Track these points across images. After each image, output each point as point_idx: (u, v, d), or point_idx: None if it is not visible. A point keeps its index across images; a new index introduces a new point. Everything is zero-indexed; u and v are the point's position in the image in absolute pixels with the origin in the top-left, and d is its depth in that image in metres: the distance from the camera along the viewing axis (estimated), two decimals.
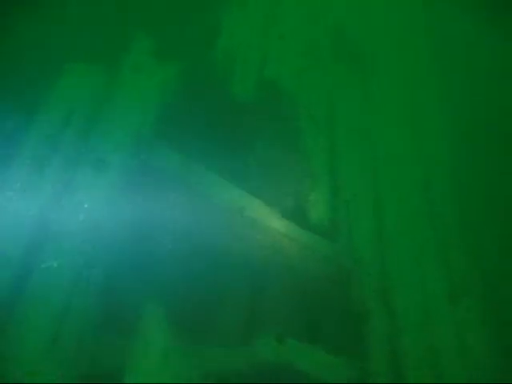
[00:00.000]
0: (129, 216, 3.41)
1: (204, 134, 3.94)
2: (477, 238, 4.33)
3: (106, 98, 3.65)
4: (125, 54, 4.03)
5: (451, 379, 3.64)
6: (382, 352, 3.62)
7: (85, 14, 4.02)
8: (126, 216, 3.38)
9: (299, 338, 3.46)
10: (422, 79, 5.48)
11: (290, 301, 3.68)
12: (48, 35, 3.86)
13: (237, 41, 4.47)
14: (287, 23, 4.90)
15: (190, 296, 3.41)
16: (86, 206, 3.09)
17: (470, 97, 5.32)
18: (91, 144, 3.35)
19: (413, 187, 4.47)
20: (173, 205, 3.64)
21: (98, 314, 3.15)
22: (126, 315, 3.21)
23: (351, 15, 5.51)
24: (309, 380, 3.33)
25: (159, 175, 3.63)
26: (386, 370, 3.57)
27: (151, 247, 3.48)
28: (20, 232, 2.95)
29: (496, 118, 5.04)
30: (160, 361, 3.13)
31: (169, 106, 3.88)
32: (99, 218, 3.18)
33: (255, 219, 3.87)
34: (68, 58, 3.80)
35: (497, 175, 4.67)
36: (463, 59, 5.63)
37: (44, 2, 3.92)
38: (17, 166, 3.13)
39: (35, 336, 2.87)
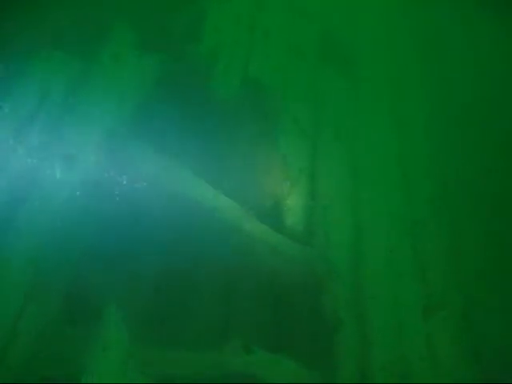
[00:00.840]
0: (97, 214, 3.28)
1: (182, 130, 3.81)
2: (456, 248, 4.26)
3: (80, 88, 3.49)
4: (104, 43, 3.87)
5: None
6: (352, 363, 3.54)
7: (64, 4, 3.86)
8: (93, 214, 3.25)
9: (268, 347, 3.36)
10: (409, 82, 5.39)
11: (261, 307, 3.57)
12: (25, 20, 3.69)
13: (221, 35, 4.33)
14: (273, 19, 4.77)
15: (155, 297, 3.30)
16: (52, 204, 2.95)
17: (459, 100, 5.24)
18: (60, 138, 3.19)
19: (392, 195, 4.39)
20: (143, 202, 3.51)
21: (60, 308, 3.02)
22: (88, 313, 3.09)
23: (338, 13, 5.40)
24: None
25: (132, 172, 3.49)
26: (356, 381, 3.49)
27: (119, 244, 3.35)
28: None
29: (490, 124, 4.98)
30: (121, 362, 3.01)
31: (146, 100, 3.73)
32: (66, 217, 3.04)
33: (228, 220, 3.76)
34: (44, 45, 3.63)
35: (481, 183, 4.60)
36: (452, 61, 5.56)
37: None
38: None
39: None
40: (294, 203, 3.96)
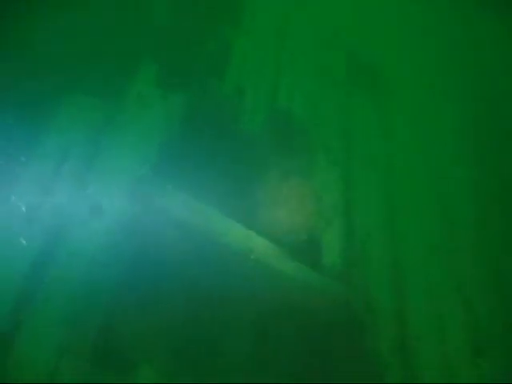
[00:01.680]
0: (129, 262, 3.17)
1: (209, 170, 3.68)
2: (502, 278, 4.04)
3: (104, 133, 3.39)
4: (128, 82, 3.77)
5: None
6: None
7: (85, 41, 3.78)
8: (126, 262, 3.14)
9: None
10: (442, 101, 5.20)
11: (297, 349, 3.42)
12: (45, 62, 3.63)
13: (246, 67, 4.19)
14: (298, 47, 4.64)
15: (192, 337, 3.18)
16: (80, 257, 2.85)
17: (492, 119, 5.04)
18: (87, 186, 3.10)
19: (433, 225, 4.19)
20: (176, 248, 3.39)
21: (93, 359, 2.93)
22: (120, 362, 2.99)
23: (364, 36, 5.24)
24: None
25: (161, 217, 3.38)
26: None
27: (154, 290, 3.24)
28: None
29: None
30: None
31: (172, 141, 3.62)
32: (96, 267, 2.94)
33: (263, 261, 3.61)
34: (67, 88, 3.55)
35: None
36: (483, 79, 5.36)
37: (39, 26, 3.70)
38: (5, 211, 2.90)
39: None
40: (329, 239, 3.79)
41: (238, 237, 3.63)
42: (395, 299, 3.76)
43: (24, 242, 2.77)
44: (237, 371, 3.22)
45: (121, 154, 3.37)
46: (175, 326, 3.24)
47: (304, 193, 3.91)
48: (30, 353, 2.73)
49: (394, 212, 4.16)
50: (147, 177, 3.40)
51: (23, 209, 2.93)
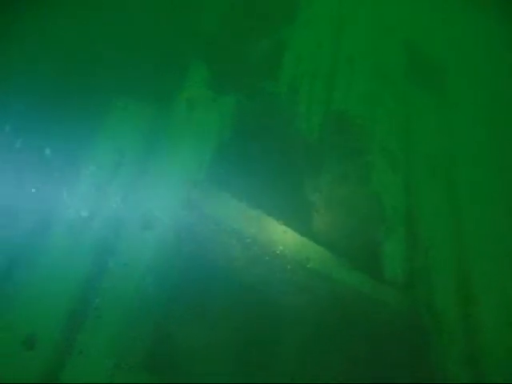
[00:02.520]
0: (183, 271, 3.06)
1: (264, 175, 3.53)
2: None
3: (156, 139, 3.29)
4: (179, 86, 3.64)
5: None
6: None
7: (133, 43, 3.67)
8: (179, 272, 3.03)
9: None
10: (506, 99, 4.88)
11: (359, 362, 3.24)
12: (95, 64, 3.55)
13: (301, 66, 4.00)
14: (356, 43, 4.40)
15: (246, 348, 3.07)
16: (130, 267, 2.75)
17: None
18: (140, 194, 3.00)
19: (503, 231, 3.90)
20: (229, 256, 3.26)
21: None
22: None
23: (424, 32, 4.96)
24: None
25: (214, 226, 3.25)
26: None
27: (208, 300, 3.13)
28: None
29: None
30: None
31: (225, 146, 3.48)
32: (149, 278, 2.85)
33: (320, 271, 3.44)
34: (120, 94, 3.45)
35: None
36: None
37: (89, 29, 3.62)
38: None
39: None
40: (391, 247, 3.58)
41: (294, 245, 3.47)
42: (463, 310, 3.52)
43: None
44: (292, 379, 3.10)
45: (172, 160, 3.26)
46: (229, 337, 3.12)
47: (362, 198, 3.71)
48: (85, 366, 2.66)
49: (460, 217, 3.90)
50: (200, 182, 3.28)
51: (82, 214, 2.86)
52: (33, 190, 2.89)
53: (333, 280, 3.44)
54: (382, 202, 3.68)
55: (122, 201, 2.95)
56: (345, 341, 3.35)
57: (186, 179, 3.24)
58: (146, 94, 3.52)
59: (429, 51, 4.80)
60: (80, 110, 3.33)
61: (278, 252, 3.39)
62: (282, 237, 3.44)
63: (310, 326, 3.34)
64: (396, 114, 4.17)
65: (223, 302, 3.19)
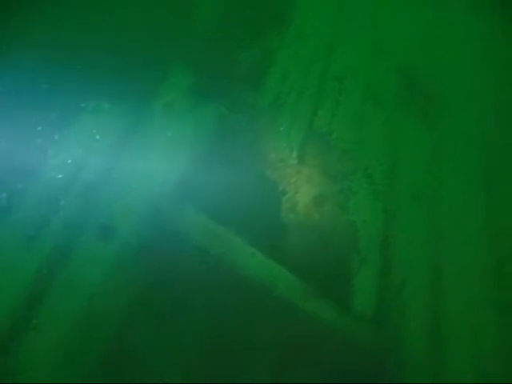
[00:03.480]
0: (140, 291, 2.87)
1: (238, 192, 3.35)
2: None
3: (125, 145, 3.10)
4: (157, 90, 3.45)
5: None
6: None
7: (112, 42, 3.48)
8: (136, 292, 2.84)
9: None
10: (500, 129, 4.74)
11: None
12: (70, 67, 3.35)
13: (287, 83, 3.82)
14: (347, 62, 4.23)
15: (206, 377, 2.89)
16: (81, 288, 2.55)
17: None
18: (99, 204, 2.80)
19: (482, 271, 3.75)
20: (193, 278, 3.07)
21: None
22: None
23: (418, 55, 4.82)
24: None
25: (179, 242, 3.07)
26: None
27: (168, 323, 2.94)
28: None
29: None
30: None
31: (200, 158, 3.30)
32: (100, 298, 2.65)
33: (287, 300, 3.26)
34: (92, 95, 3.25)
35: None
36: None
37: (66, 29, 3.43)
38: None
39: None
40: (362, 278, 3.41)
41: (261, 269, 3.29)
42: (433, 350, 3.36)
43: None
44: None
45: (139, 169, 3.07)
46: (189, 359, 2.94)
47: (338, 224, 3.54)
48: None
49: (439, 252, 3.74)
50: (167, 195, 3.09)
51: (33, 219, 2.67)
52: None
53: (299, 309, 3.27)
54: (358, 231, 3.52)
55: (78, 209, 2.75)
56: (308, 375, 3.17)
57: (152, 191, 3.05)
58: (120, 96, 3.33)
59: (422, 77, 4.65)
60: (49, 112, 3.13)
61: (244, 275, 3.21)
62: (250, 259, 3.26)
63: (272, 359, 3.16)
64: (382, 140, 4.01)
65: (182, 327, 3.00)
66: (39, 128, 3.04)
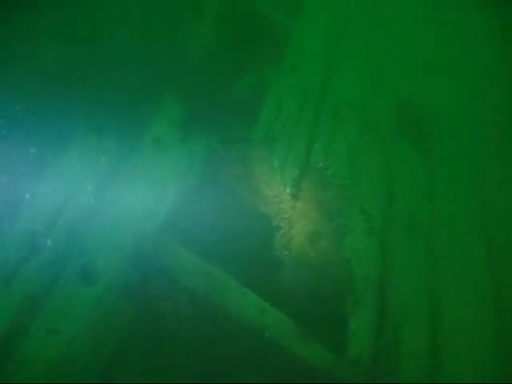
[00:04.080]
0: (125, 334, 2.73)
1: (227, 229, 3.22)
2: None
3: (111, 180, 2.98)
4: (146, 122, 3.35)
5: None
6: None
7: (100, 71, 3.38)
8: (121, 335, 2.70)
9: None
10: (498, 163, 4.64)
11: None
12: (57, 98, 3.24)
13: (281, 116, 3.72)
14: (344, 93, 4.14)
15: None
16: (61, 333, 2.41)
17: None
18: (80, 243, 2.68)
19: (482, 309, 3.62)
20: (178, 319, 2.93)
21: None
22: None
23: (418, 86, 4.74)
24: None
25: (165, 281, 2.93)
26: None
27: (153, 366, 2.80)
28: None
29: None
30: None
31: (189, 194, 3.18)
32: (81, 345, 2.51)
33: (278, 341, 3.12)
34: (78, 128, 3.14)
35: None
36: None
37: (54, 59, 3.34)
38: None
39: None
40: (357, 320, 3.27)
41: (252, 309, 3.15)
42: None
43: None
44: None
45: (125, 205, 2.94)
46: None
47: (333, 263, 3.41)
48: None
49: (438, 291, 3.61)
50: (154, 232, 2.97)
51: (12, 256, 2.54)
52: None
53: (292, 353, 3.12)
54: (353, 270, 3.39)
55: (58, 248, 2.62)
56: None
57: (138, 228, 2.93)
58: (107, 129, 3.22)
59: (419, 109, 4.57)
60: (33, 146, 3.02)
61: (234, 316, 3.07)
62: (240, 299, 3.13)
63: None
64: (379, 174, 3.90)
65: (169, 369, 2.85)
66: (22, 162, 2.94)
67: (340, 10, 4.67)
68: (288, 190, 3.45)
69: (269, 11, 4.36)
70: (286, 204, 3.46)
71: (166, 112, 3.47)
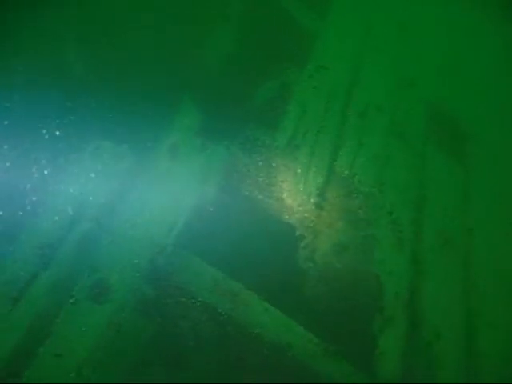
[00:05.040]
0: (141, 354, 2.58)
1: (247, 242, 3.05)
2: None
3: (126, 192, 2.84)
4: (163, 129, 3.19)
5: None
6: None
7: (117, 76, 3.24)
8: (136, 355, 2.55)
9: None
10: None
11: None
12: (70, 104, 3.11)
13: (305, 121, 3.53)
14: (370, 97, 3.93)
15: None
16: (69, 357, 2.27)
17: None
18: (93, 259, 2.54)
19: None
20: (201, 337, 2.77)
21: None
22: None
23: (449, 85, 4.49)
24: None
25: (183, 299, 2.77)
26: None
27: None
28: None
29: None
30: None
31: (207, 205, 3.02)
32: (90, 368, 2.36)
33: (303, 361, 2.94)
34: (93, 134, 3.00)
35: None
36: None
37: (77, 59, 3.21)
38: None
39: None
40: (387, 339, 3.07)
41: (275, 326, 2.98)
42: None
43: None
44: None
45: (139, 217, 2.79)
46: None
47: (360, 277, 3.21)
48: None
49: (474, 308, 3.38)
50: (169, 247, 2.81)
51: (20, 274, 2.42)
52: None
53: (317, 372, 2.94)
54: (382, 285, 3.18)
55: (70, 263, 2.48)
56: None
57: (154, 241, 2.77)
58: (123, 136, 3.08)
59: (452, 111, 4.33)
60: (47, 153, 2.89)
61: (255, 334, 2.90)
62: (262, 316, 2.96)
63: None
64: (409, 181, 3.68)
65: None
66: (33, 170, 2.81)
67: (367, 12, 4.46)
68: (312, 199, 3.26)
69: (294, 12, 4.19)
70: (310, 213, 3.28)
71: (185, 118, 3.31)
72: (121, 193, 2.83)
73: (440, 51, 4.60)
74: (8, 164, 2.76)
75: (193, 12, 3.82)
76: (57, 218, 2.63)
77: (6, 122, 2.89)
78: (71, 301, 2.38)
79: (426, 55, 4.48)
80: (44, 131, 2.90)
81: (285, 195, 3.22)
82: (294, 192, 3.26)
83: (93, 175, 2.86)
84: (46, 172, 2.78)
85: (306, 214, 3.26)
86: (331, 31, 4.17)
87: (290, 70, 3.82)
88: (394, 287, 3.20)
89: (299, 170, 3.28)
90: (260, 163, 3.27)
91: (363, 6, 4.54)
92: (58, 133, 2.94)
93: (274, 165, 3.30)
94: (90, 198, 2.75)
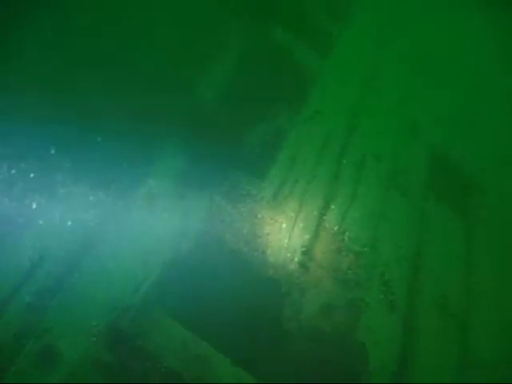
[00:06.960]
0: None
1: (222, 303, 2.82)
2: None
3: (93, 241, 2.63)
4: (139, 175, 2.99)
5: None
6: None
7: (101, 119, 3.06)
8: None
9: None
10: None
11: None
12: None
13: (295, 171, 3.29)
14: (368, 144, 3.70)
15: None
16: None
17: None
18: (43, 321, 2.31)
19: None
20: None
21: None
22: None
23: (454, 133, 4.26)
24: None
25: (147, 364, 2.53)
26: None
27: None
28: None
29: None
30: None
31: (180, 262, 2.78)
32: None
33: None
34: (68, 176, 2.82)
35: None
36: None
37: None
38: None
39: None
40: None
41: None
42: None
43: None
44: None
45: (102, 274, 2.57)
46: None
47: (346, 340, 2.94)
48: None
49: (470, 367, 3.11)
50: (133, 308, 2.58)
51: None
52: None
53: None
54: (368, 354, 2.91)
55: (16, 326, 2.25)
56: None
57: (115, 301, 2.54)
58: (100, 182, 2.88)
59: (458, 162, 4.09)
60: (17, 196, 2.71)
61: None
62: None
63: None
64: (406, 239, 3.43)
65: None
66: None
67: (369, 53, 4.26)
68: (297, 257, 3.02)
69: (295, 50, 4.02)
70: (297, 271, 3.04)
71: (165, 163, 3.12)
72: (87, 245, 2.62)
73: (444, 96, 4.38)
74: None
75: (188, 49, 3.67)
76: (12, 270, 2.43)
77: None
78: (12, 369, 2.16)
79: (429, 100, 4.25)
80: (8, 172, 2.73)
81: (270, 249, 2.99)
82: (280, 246, 3.03)
83: (58, 224, 2.66)
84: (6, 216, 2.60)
85: (290, 273, 3.02)
86: (332, 72, 3.98)
87: (285, 113, 3.62)
88: (383, 356, 2.92)
89: (284, 225, 3.05)
90: (244, 214, 3.04)
91: (368, 47, 4.35)
92: (32, 175, 2.77)
93: (259, 216, 3.07)
94: (52, 250, 2.55)
